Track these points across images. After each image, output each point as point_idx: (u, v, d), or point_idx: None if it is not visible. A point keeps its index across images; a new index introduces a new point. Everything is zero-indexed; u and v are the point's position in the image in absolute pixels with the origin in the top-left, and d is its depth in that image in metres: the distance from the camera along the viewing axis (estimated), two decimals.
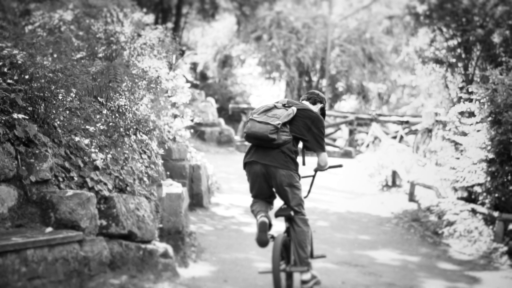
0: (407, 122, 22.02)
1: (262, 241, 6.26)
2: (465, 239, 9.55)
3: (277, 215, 6.42)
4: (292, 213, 6.34)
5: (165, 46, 11.24)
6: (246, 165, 6.50)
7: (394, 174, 14.45)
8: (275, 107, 6.36)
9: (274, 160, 6.23)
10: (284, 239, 6.25)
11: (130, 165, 7.33)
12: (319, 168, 6.61)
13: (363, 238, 9.74)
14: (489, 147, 9.32)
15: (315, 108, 6.66)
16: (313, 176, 6.82)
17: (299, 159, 6.44)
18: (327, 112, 6.61)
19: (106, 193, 6.38)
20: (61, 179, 6.22)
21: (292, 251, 6.38)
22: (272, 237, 6.39)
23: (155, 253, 6.49)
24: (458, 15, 15.39)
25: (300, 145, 6.51)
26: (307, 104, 6.62)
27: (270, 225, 6.36)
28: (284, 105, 6.38)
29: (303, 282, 6.34)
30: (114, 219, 6.27)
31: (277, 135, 6.15)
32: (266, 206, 6.53)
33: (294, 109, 6.31)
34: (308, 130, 6.33)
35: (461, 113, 10.46)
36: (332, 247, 8.86)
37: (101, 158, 6.84)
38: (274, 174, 6.28)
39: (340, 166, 7.06)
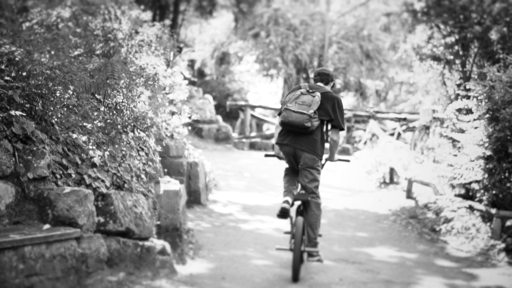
0: (404, 119, 22.03)
1: (281, 217, 7.10)
2: (462, 236, 9.56)
3: (295, 199, 7.20)
4: (309, 198, 7.16)
5: (162, 43, 11.24)
6: (278, 144, 7.39)
7: (392, 171, 14.46)
8: (301, 93, 7.19)
9: (304, 144, 7.15)
10: (303, 223, 6.98)
11: (127, 162, 7.33)
12: (330, 158, 7.57)
13: (360, 235, 9.75)
14: (486, 144, 9.33)
15: (329, 88, 7.48)
16: (323, 165, 7.50)
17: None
18: None
19: (104, 190, 6.38)
20: (58, 176, 6.22)
21: (306, 236, 7.15)
22: (291, 217, 7.25)
23: (153, 250, 6.49)
24: (456, 12, 15.40)
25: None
26: (322, 86, 7.39)
27: (292, 204, 7.22)
28: (308, 91, 7.20)
29: (311, 256, 7.12)
30: (112, 216, 6.27)
31: (310, 122, 7.02)
32: (294, 179, 7.44)
33: (319, 95, 7.14)
34: (333, 111, 7.20)
35: (459, 110, 10.46)
36: (330, 244, 8.87)
37: (99, 155, 6.84)
38: (300, 156, 7.19)
39: (348, 161, 7.99)
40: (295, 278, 6.85)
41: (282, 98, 31.22)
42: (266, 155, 7.86)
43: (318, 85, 7.38)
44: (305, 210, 7.22)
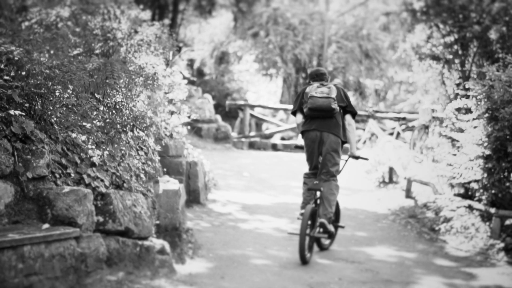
0: (404, 118, 22.02)
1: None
2: (461, 235, 9.55)
3: (309, 188, 8.01)
4: (322, 188, 7.89)
5: (162, 42, 11.24)
6: (304, 132, 8.19)
7: (391, 170, 14.45)
8: (317, 87, 8.10)
9: (330, 127, 8.02)
10: (312, 210, 7.68)
11: (127, 161, 7.33)
12: (352, 152, 8.32)
13: (360, 234, 9.75)
14: (485, 144, 9.33)
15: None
16: (346, 161, 8.45)
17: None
18: None
19: (103, 190, 6.37)
20: (58, 176, 6.22)
21: (321, 206, 7.93)
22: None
23: (152, 249, 6.49)
24: (455, 12, 15.41)
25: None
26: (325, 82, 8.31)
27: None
28: (322, 84, 8.12)
29: (322, 226, 7.83)
30: (111, 215, 6.27)
31: (335, 105, 7.97)
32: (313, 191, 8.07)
33: (332, 85, 8.09)
34: (345, 98, 8.23)
35: (458, 110, 10.46)
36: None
37: (98, 155, 6.84)
38: (326, 139, 8.02)
39: (367, 159, 8.74)
40: (303, 261, 7.54)
41: (283, 97, 31.25)
42: (296, 147, 8.77)
43: (324, 82, 8.27)
44: (324, 191, 7.95)
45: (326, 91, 8.02)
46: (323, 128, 8.01)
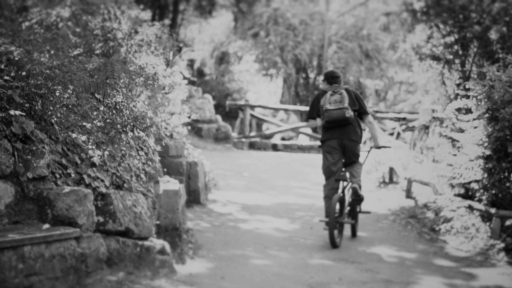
0: (404, 118, 22.01)
1: None
2: (462, 235, 9.55)
3: (336, 179, 8.80)
4: (348, 177, 8.87)
5: (162, 42, 11.25)
6: (324, 141, 8.93)
7: (391, 170, 14.45)
8: (330, 95, 8.73)
9: (349, 134, 8.82)
10: (339, 198, 8.56)
11: (127, 161, 7.33)
12: (375, 144, 9.23)
13: (360, 234, 9.74)
14: (486, 144, 9.32)
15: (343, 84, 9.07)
16: (368, 152, 9.45)
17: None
18: None
19: (103, 190, 6.37)
20: (58, 176, 6.21)
21: (351, 178, 8.94)
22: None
23: (152, 249, 6.49)
24: (455, 12, 15.41)
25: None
26: (338, 85, 8.93)
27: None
28: (334, 92, 8.75)
29: (354, 190, 8.84)
30: (111, 215, 6.27)
31: (349, 113, 8.62)
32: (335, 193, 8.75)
33: (344, 92, 8.74)
34: (357, 102, 8.90)
35: (458, 110, 10.45)
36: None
37: (98, 155, 6.83)
38: (347, 145, 8.84)
39: (389, 147, 9.95)
40: (333, 245, 8.47)
41: (283, 98, 31.26)
42: (320, 147, 9.19)
43: (336, 86, 8.89)
44: (351, 168, 8.96)
45: (338, 99, 8.68)
46: (343, 136, 8.81)
